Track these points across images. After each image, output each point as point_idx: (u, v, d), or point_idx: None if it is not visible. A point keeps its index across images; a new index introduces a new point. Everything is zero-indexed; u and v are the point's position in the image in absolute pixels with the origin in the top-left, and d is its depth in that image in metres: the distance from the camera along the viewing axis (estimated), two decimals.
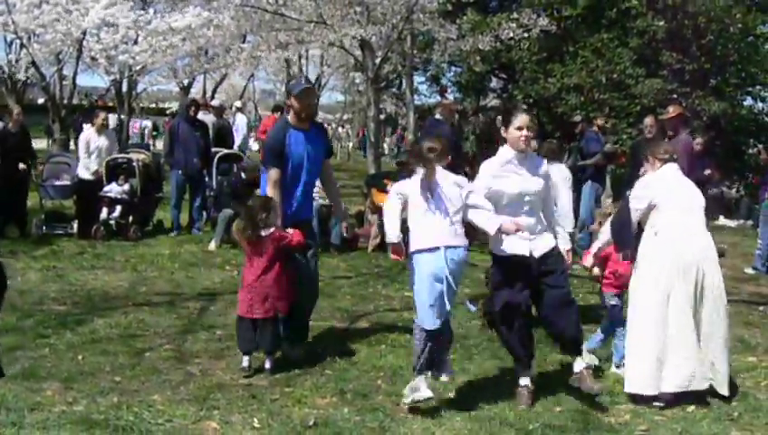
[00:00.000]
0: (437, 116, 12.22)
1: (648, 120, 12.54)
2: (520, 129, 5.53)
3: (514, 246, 5.52)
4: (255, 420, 5.16)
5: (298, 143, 6.49)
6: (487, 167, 5.66)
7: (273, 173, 6.43)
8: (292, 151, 6.47)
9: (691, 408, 5.70)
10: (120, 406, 5.30)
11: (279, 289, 6.17)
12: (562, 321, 5.56)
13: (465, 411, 5.42)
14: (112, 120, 25.96)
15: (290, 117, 6.57)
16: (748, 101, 23.73)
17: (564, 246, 5.88)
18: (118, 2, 17.36)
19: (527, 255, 5.53)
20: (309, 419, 5.20)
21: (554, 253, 5.66)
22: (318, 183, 11.59)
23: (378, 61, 12.54)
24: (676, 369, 5.70)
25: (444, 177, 5.49)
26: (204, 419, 5.18)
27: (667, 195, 5.98)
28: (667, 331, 5.74)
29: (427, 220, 5.39)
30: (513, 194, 5.53)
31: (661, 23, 20.57)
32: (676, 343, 5.73)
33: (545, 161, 5.91)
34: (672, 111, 11.15)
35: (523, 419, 5.32)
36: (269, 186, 6.46)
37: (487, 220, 5.40)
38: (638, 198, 6.05)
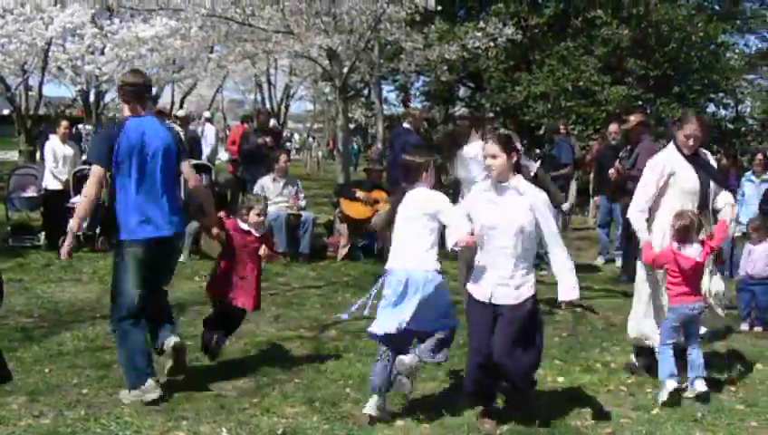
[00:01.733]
0: (406, 125, 12.29)
1: (613, 127, 12.69)
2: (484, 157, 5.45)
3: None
4: (224, 429, 5.18)
5: None
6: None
7: None
8: None
9: (655, 410, 5.80)
10: (88, 419, 5.29)
11: None
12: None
13: (432, 419, 5.46)
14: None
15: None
16: (711, 108, 24.15)
17: None
18: (83, 11, 17.24)
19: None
20: (277, 428, 5.22)
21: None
22: (286, 193, 11.84)
23: (345, 70, 12.58)
24: None
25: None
26: (172, 429, 5.18)
27: None
28: None
29: None
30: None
31: (625, 31, 20.86)
32: None
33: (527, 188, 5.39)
34: (633, 119, 11.29)
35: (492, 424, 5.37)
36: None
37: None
38: None
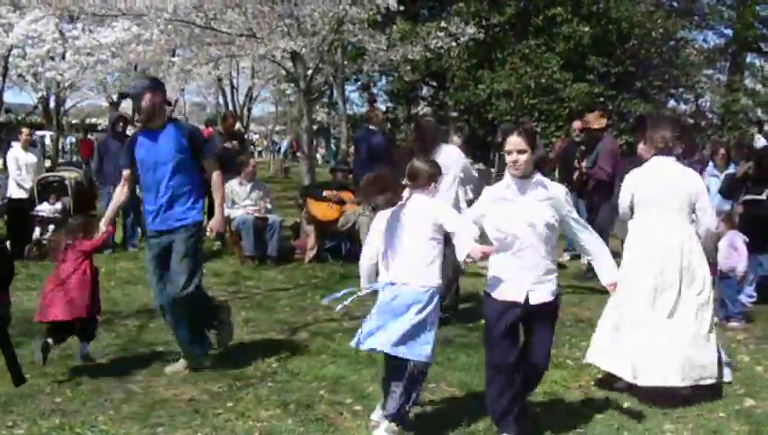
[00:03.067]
0: (372, 127, 12.34)
1: (576, 124, 12.84)
2: (509, 153, 5.12)
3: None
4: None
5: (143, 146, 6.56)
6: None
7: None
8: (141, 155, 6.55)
9: (626, 404, 5.89)
10: (63, 427, 5.27)
11: None
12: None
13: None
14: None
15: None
16: (671, 103, 24.48)
17: None
18: (44, 17, 17.09)
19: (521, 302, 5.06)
20: (253, 432, 5.24)
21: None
22: (253, 198, 11.82)
23: (309, 72, 12.59)
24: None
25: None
26: None
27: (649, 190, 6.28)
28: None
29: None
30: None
31: (586, 28, 21.06)
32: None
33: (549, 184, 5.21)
34: (592, 118, 11.45)
35: (466, 421, 5.43)
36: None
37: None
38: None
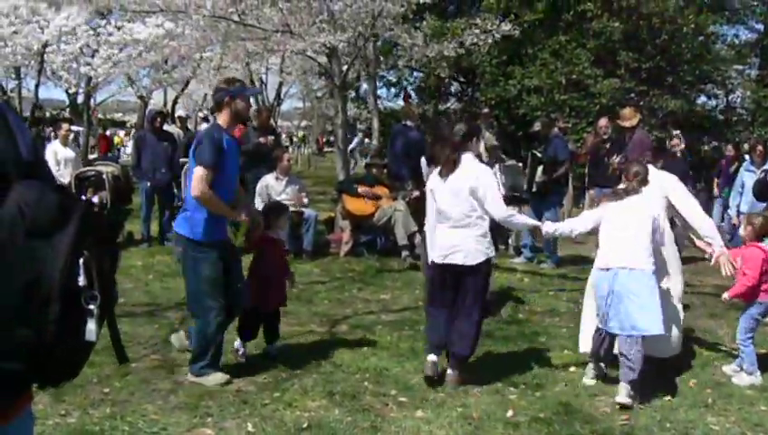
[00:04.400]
0: (409, 123, 12.41)
1: (603, 122, 12.77)
2: None
3: None
4: (249, 424, 5.26)
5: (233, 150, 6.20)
6: None
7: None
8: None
9: (668, 397, 5.93)
10: (114, 417, 5.36)
11: None
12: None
13: (454, 408, 5.57)
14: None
15: (223, 121, 6.11)
16: (702, 99, 24.38)
17: None
18: (78, 13, 17.25)
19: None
20: (302, 421, 5.31)
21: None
22: (289, 192, 11.90)
23: (345, 68, 12.65)
24: None
25: None
26: (198, 426, 5.26)
27: None
28: None
29: None
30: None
31: (617, 24, 21.00)
32: None
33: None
34: (627, 113, 11.41)
35: (511, 414, 5.48)
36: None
37: None
38: None
